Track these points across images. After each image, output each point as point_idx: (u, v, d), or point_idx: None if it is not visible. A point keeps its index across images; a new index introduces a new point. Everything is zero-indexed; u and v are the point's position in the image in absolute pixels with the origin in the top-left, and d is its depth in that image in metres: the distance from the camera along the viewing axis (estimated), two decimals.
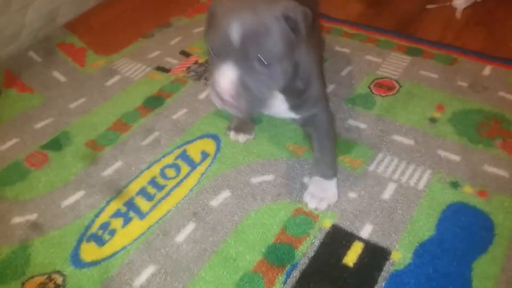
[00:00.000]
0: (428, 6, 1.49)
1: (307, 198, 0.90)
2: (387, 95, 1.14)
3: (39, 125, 1.14)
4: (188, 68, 1.29)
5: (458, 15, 1.44)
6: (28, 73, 1.29)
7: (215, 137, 1.06)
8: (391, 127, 1.05)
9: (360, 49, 1.31)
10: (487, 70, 1.20)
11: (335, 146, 0.94)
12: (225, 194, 0.94)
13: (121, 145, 1.07)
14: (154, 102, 1.18)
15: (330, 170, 0.91)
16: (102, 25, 1.44)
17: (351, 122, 1.08)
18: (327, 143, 0.91)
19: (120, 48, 1.39)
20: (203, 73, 1.26)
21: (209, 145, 1.04)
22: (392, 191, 0.92)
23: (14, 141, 1.09)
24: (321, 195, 0.89)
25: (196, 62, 1.31)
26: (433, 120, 1.06)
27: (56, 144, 1.07)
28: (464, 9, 1.46)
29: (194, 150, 1.03)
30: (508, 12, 1.43)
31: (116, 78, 1.27)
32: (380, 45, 1.31)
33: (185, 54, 1.35)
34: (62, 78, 1.29)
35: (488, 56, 1.24)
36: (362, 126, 1.06)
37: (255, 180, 0.96)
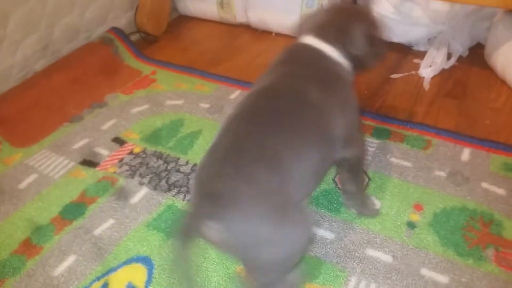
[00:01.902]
0: (393, 76, 1.36)
1: None
2: None
3: None
4: (121, 160, 1.09)
5: (426, 85, 1.31)
6: None
7: (146, 261, 0.85)
8: (363, 237, 0.87)
9: None
10: (466, 154, 1.05)
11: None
12: None
13: (26, 277, 0.83)
14: (73, 211, 0.96)
15: (362, 208, 0.91)
16: (21, 110, 1.22)
17: (315, 230, 0.89)
18: (359, 182, 0.90)
19: (41, 137, 1.17)
20: (138, 167, 1.06)
21: (138, 274, 0.82)
22: None
23: None
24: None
25: (131, 152, 1.11)
26: (411, 226, 0.88)
27: None
28: (432, 78, 1.34)
29: (118, 283, 0.81)
30: (479, 81, 1.31)
31: (32, 177, 1.05)
32: None
33: (119, 141, 1.15)
34: None
35: (464, 137, 1.09)
36: (329, 236, 0.87)
37: None
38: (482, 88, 1.29)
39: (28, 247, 0.88)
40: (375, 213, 0.90)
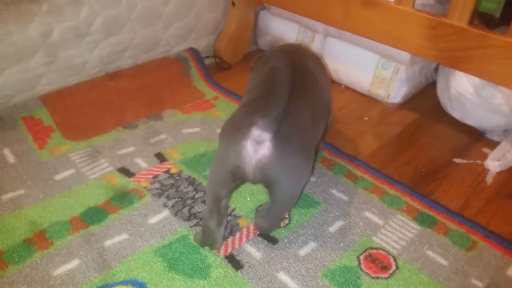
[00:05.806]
0: (456, 160, 1.26)
1: None
2: (377, 278, 0.88)
3: None
4: (155, 177, 1.09)
5: (489, 179, 1.19)
6: None
7: (141, 287, 0.83)
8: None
9: (361, 199, 1.07)
10: None
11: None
12: None
13: (29, 268, 0.85)
14: (94, 215, 0.97)
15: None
16: (82, 105, 1.28)
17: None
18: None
19: (92, 135, 1.22)
20: (168, 188, 1.06)
21: None
22: None
23: None
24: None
25: (167, 171, 1.11)
26: None
27: None
28: (498, 173, 1.22)
29: None
30: None
31: (70, 172, 1.09)
32: (386, 200, 1.08)
33: (161, 157, 1.16)
34: (11, 159, 1.11)
35: None
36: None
37: None
38: None
39: (41, 239, 0.90)
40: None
